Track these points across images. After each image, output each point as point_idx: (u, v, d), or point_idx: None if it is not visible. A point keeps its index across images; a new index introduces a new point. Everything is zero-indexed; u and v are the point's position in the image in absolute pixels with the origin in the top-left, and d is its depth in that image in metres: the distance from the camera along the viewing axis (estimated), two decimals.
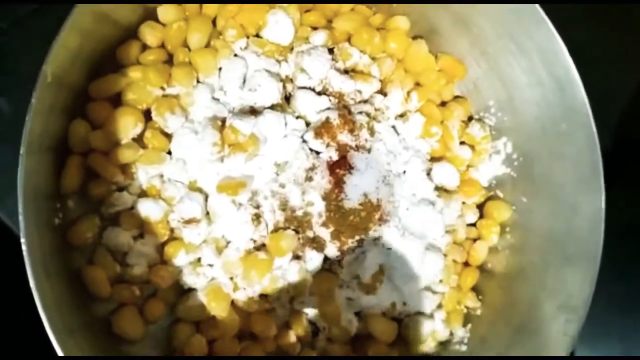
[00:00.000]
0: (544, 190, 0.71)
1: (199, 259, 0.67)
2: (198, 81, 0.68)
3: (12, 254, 0.54)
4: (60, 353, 0.53)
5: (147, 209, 0.65)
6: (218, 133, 0.65)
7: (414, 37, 0.76)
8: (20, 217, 0.54)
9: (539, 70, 0.68)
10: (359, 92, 0.71)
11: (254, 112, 0.67)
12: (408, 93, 0.75)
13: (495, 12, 0.68)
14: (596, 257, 0.64)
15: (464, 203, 0.76)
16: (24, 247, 0.53)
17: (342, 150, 0.67)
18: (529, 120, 0.71)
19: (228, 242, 0.67)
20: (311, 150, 0.67)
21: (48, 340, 0.53)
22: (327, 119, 0.67)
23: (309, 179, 0.66)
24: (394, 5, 0.75)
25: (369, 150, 0.68)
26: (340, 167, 0.66)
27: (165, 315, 0.67)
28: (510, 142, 0.75)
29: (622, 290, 0.79)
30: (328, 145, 0.67)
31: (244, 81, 0.69)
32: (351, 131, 0.67)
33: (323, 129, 0.66)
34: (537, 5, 0.65)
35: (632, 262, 0.80)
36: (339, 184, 0.66)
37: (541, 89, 0.69)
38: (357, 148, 0.68)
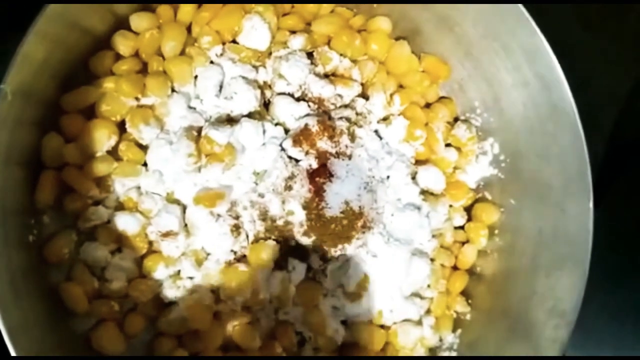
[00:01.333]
0: (532, 192, 0.70)
1: (178, 272, 0.65)
2: (173, 90, 0.67)
3: None
4: None
5: (124, 223, 0.63)
6: (193, 144, 0.63)
7: (397, 39, 0.74)
8: None
9: (524, 70, 0.67)
10: (340, 96, 0.69)
11: (231, 120, 0.66)
12: (391, 96, 0.73)
13: (477, 12, 0.67)
14: (585, 259, 0.63)
15: (451, 206, 0.74)
16: None
17: (322, 157, 0.66)
18: (516, 121, 0.70)
19: (208, 254, 0.66)
20: (290, 158, 0.65)
21: None
22: (306, 125, 0.65)
23: (289, 187, 0.64)
24: (375, 5, 0.73)
25: (349, 157, 0.67)
26: (320, 175, 0.65)
27: (146, 329, 0.66)
28: (497, 142, 0.73)
29: (613, 298, 0.78)
30: (307, 152, 0.65)
31: (221, 89, 0.67)
32: (331, 137, 0.66)
33: (302, 137, 0.65)
34: (520, 5, 0.63)
35: (623, 269, 0.78)
36: (319, 192, 0.64)
37: (526, 88, 0.67)
38: (338, 155, 0.66)
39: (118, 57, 0.66)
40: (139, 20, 0.66)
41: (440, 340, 0.73)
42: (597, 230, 0.62)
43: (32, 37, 0.55)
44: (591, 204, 0.63)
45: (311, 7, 0.71)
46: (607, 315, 0.77)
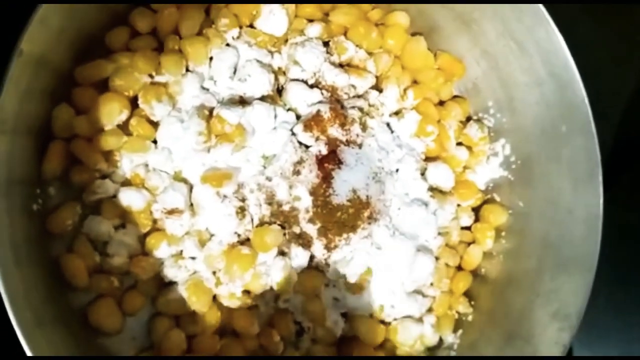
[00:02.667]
0: (541, 194, 0.69)
1: (181, 252, 0.65)
2: (187, 70, 0.67)
3: None
4: (25, 345, 0.51)
5: (130, 198, 0.63)
6: (204, 122, 0.63)
7: (413, 34, 0.74)
8: None
9: (539, 70, 0.66)
10: (353, 86, 0.69)
11: (243, 102, 0.66)
12: (404, 90, 0.73)
13: (496, 11, 0.67)
14: (592, 264, 0.62)
15: (459, 205, 0.74)
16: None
17: (332, 144, 0.65)
18: (528, 122, 0.69)
19: (211, 235, 0.65)
20: (300, 143, 0.65)
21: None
22: (318, 111, 0.65)
23: (297, 172, 0.64)
24: None
25: (359, 146, 0.66)
26: (329, 161, 0.64)
27: (144, 308, 0.65)
28: (509, 144, 0.73)
29: (620, 294, 0.77)
30: (317, 138, 0.65)
31: (235, 71, 0.67)
32: (342, 125, 0.65)
33: (313, 122, 0.65)
34: (539, 4, 0.63)
35: (630, 264, 0.77)
36: (327, 178, 0.64)
37: (541, 89, 0.67)
38: (348, 143, 0.66)
39: (134, 33, 0.67)
40: None
41: (441, 340, 0.72)
42: (603, 226, 0.61)
43: (45, 6, 0.54)
44: (601, 211, 0.63)
45: None
46: (613, 311, 0.77)
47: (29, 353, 0.51)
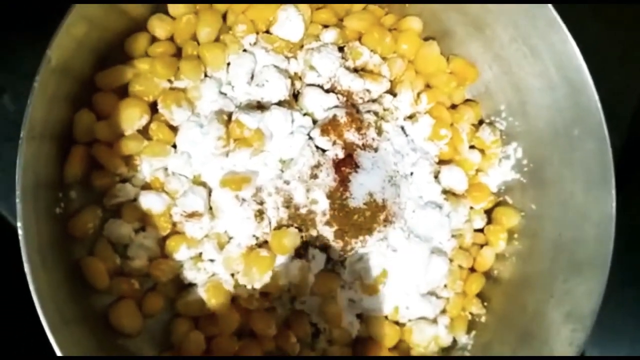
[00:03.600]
0: (553, 197, 0.70)
1: (200, 254, 0.66)
2: (206, 75, 0.68)
3: (15, 254, 0.53)
4: (53, 342, 0.53)
5: (150, 202, 0.64)
6: (224, 127, 0.64)
7: (426, 39, 0.75)
8: (18, 203, 0.53)
9: (552, 74, 0.67)
10: (368, 91, 0.70)
11: (261, 107, 0.67)
12: (418, 94, 0.74)
13: (508, 14, 0.67)
14: (605, 265, 0.63)
15: (471, 208, 0.75)
16: (20, 233, 0.53)
17: (349, 148, 0.66)
18: (541, 125, 0.70)
19: (230, 238, 0.66)
20: (317, 147, 0.66)
21: (44, 333, 0.52)
22: (335, 116, 0.66)
23: (314, 176, 0.65)
24: (407, 5, 0.74)
25: (375, 150, 0.67)
26: (346, 165, 0.65)
27: (164, 310, 0.66)
28: (521, 147, 0.74)
29: (631, 295, 0.78)
30: (334, 143, 0.66)
31: (252, 77, 0.68)
32: (358, 129, 0.66)
33: (330, 127, 0.66)
34: (550, 6, 0.64)
35: None
36: (344, 182, 0.65)
37: (553, 93, 0.68)
38: (364, 147, 0.67)
39: (154, 40, 0.68)
40: (177, 5, 0.67)
41: (454, 340, 0.73)
42: (615, 229, 0.62)
43: (74, 13, 0.56)
44: (614, 212, 0.63)
45: (344, 4, 0.72)
46: (624, 312, 0.77)
47: (57, 350, 0.52)
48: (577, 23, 0.63)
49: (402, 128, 0.72)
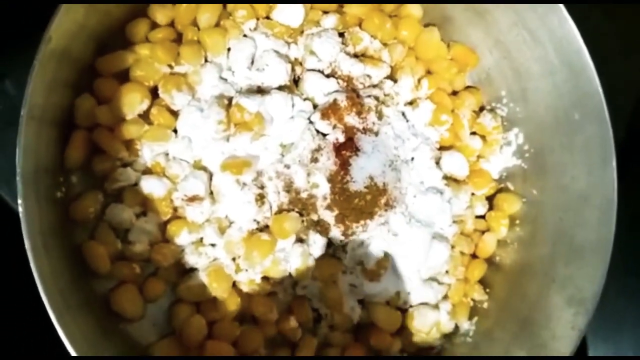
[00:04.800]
0: (554, 182, 0.70)
1: (201, 239, 0.66)
2: (206, 60, 0.68)
3: (16, 239, 0.53)
4: (57, 326, 0.53)
5: (151, 186, 0.64)
6: (224, 111, 0.64)
7: (426, 25, 0.75)
8: (19, 185, 0.53)
9: (552, 58, 0.67)
10: (369, 76, 0.70)
11: (261, 92, 0.67)
12: (419, 80, 0.74)
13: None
14: (607, 249, 0.63)
15: (473, 194, 0.75)
16: (21, 215, 0.53)
17: (349, 132, 0.66)
18: (541, 110, 0.70)
19: (231, 222, 0.66)
20: (317, 131, 0.66)
21: (47, 319, 0.53)
22: (335, 100, 0.66)
23: (315, 160, 0.65)
24: None
25: (376, 134, 0.67)
26: (347, 148, 0.65)
27: (165, 295, 0.66)
28: (522, 133, 0.74)
29: (634, 282, 0.77)
30: (335, 126, 0.66)
31: (252, 62, 0.68)
32: (359, 113, 0.66)
33: (330, 110, 0.66)
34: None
35: None
36: (344, 165, 0.65)
37: (554, 77, 0.68)
38: (365, 130, 0.67)
39: (154, 25, 0.68)
40: None
41: (456, 326, 0.73)
42: (616, 216, 0.62)
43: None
44: (615, 195, 0.63)
45: None
46: (625, 299, 0.77)
47: (61, 334, 0.52)
48: (579, 15, 0.63)
49: (403, 113, 0.72)
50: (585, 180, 0.66)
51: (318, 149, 0.65)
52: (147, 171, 0.66)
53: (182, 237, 0.65)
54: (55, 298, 0.54)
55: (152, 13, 0.67)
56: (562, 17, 0.64)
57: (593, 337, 0.77)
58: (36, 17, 0.58)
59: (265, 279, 0.66)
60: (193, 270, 0.66)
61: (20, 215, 0.53)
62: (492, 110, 0.76)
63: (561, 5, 0.64)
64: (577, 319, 0.63)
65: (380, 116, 0.68)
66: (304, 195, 0.65)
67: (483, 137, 0.75)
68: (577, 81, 0.65)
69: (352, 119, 0.66)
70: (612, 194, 0.63)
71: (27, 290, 0.53)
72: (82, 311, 0.59)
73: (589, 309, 0.62)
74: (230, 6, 0.69)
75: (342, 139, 0.66)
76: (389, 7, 0.74)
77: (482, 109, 0.77)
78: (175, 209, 0.66)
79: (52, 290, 0.53)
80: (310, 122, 0.66)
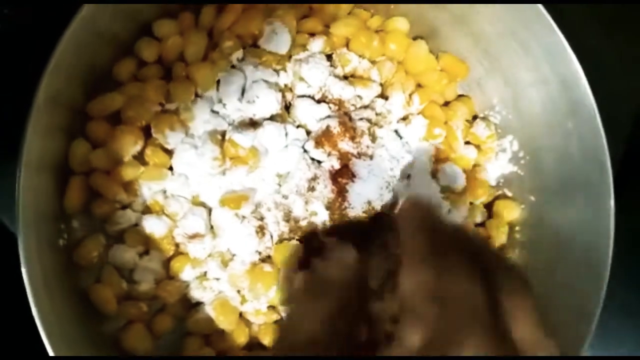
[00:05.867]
0: (552, 188, 0.70)
1: (205, 273, 0.67)
2: (197, 95, 0.68)
3: (15, 259, 0.54)
4: None
5: (152, 226, 0.65)
6: (218, 147, 0.64)
7: (414, 38, 0.75)
8: (20, 241, 0.54)
9: (543, 69, 0.67)
10: (359, 97, 0.70)
11: (253, 124, 0.67)
12: (410, 95, 0.73)
13: (494, 12, 0.67)
14: (606, 258, 0.63)
15: (471, 203, 0.75)
16: (24, 270, 0.54)
17: (344, 158, 0.66)
18: (535, 118, 0.70)
19: (233, 255, 0.67)
20: (312, 159, 0.66)
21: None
22: (328, 127, 0.66)
23: (312, 188, 0.65)
24: (392, 6, 0.73)
25: (371, 157, 0.68)
26: (343, 175, 0.66)
27: (174, 329, 0.67)
28: (517, 140, 0.74)
29: (635, 299, 0.77)
30: (329, 154, 0.66)
31: (243, 92, 0.68)
32: (352, 138, 0.67)
33: (323, 138, 0.66)
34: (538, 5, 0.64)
35: None
36: (341, 192, 0.65)
37: (546, 86, 0.68)
38: (359, 155, 0.67)
39: (142, 63, 0.68)
40: (162, 27, 0.67)
41: None
42: (615, 233, 0.62)
43: (64, 45, 0.57)
44: (612, 202, 0.64)
45: (330, 9, 0.72)
46: (625, 315, 0.77)
47: None
48: (575, 28, 0.63)
49: (396, 131, 0.72)
50: (583, 187, 0.66)
51: (314, 178, 0.65)
52: (147, 210, 0.66)
53: (186, 273, 0.66)
54: (60, 345, 0.55)
55: (138, 51, 0.67)
56: (550, 29, 0.64)
57: (591, 352, 0.77)
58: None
59: (271, 307, 0.67)
60: (200, 303, 0.67)
61: (23, 270, 0.54)
62: (485, 118, 0.76)
63: (549, 17, 0.64)
64: (579, 330, 0.63)
65: (373, 139, 0.68)
66: (303, 223, 0.66)
67: (477, 146, 0.75)
68: (569, 92, 0.65)
69: (346, 145, 0.66)
70: (609, 202, 0.64)
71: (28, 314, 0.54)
72: (91, 351, 0.60)
73: (591, 321, 0.62)
74: (216, 37, 0.69)
75: (337, 165, 0.66)
76: (375, 23, 0.74)
77: (475, 117, 0.77)
78: (177, 245, 0.66)
79: (55, 334, 0.54)
80: (305, 151, 0.66)
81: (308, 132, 0.68)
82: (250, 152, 0.64)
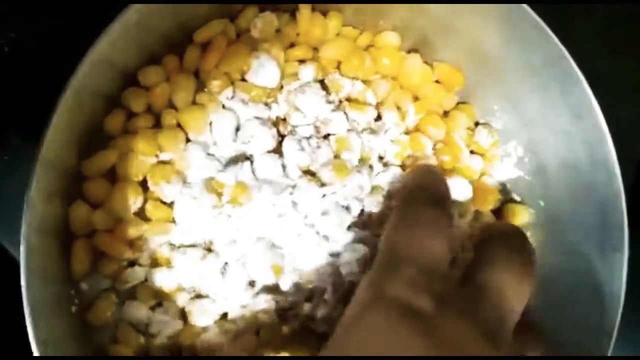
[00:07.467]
0: (559, 194, 0.69)
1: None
2: (189, 140, 0.66)
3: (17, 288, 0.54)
4: None
5: (161, 280, 0.64)
6: (215, 195, 0.63)
7: (408, 52, 0.73)
8: (29, 323, 0.54)
9: (541, 72, 0.65)
10: (356, 123, 0.68)
11: (245, 159, 0.66)
12: (400, 108, 0.72)
13: (484, 17, 0.65)
14: (623, 251, 0.62)
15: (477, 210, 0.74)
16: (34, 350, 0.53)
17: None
18: (536, 125, 0.69)
19: None
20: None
21: None
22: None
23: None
24: (381, 22, 0.71)
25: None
26: None
27: None
28: (521, 145, 0.72)
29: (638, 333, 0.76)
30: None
31: (237, 130, 0.67)
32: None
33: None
34: (524, 6, 0.61)
35: None
36: None
37: (545, 91, 0.66)
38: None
39: (131, 115, 0.66)
40: (147, 75, 0.65)
41: None
42: (628, 265, 0.62)
43: (60, 110, 0.56)
44: (624, 204, 0.63)
45: (317, 33, 0.69)
46: (632, 350, 0.76)
47: None
48: (582, 52, 0.61)
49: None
50: (591, 187, 0.65)
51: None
52: (154, 263, 0.65)
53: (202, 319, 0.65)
54: None
55: (125, 101, 0.65)
56: (543, 32, 0.62)
57: None
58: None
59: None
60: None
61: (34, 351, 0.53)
62: (486, 124, 0.74)
63: (538, 19, 0.62)
64: (597, 335, 0.63)
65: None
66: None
67: (482, 155, 0.74)
68: (569, 96, 0.64)
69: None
70: (620, 205, 0.63)
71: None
72: None
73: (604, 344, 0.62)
74: (203, 76, 0.67)
75: None
76: (365, 41, 0.72)
77: (476, 123, 0.75)
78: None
79: None
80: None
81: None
82: (237, 188, 0.63)
